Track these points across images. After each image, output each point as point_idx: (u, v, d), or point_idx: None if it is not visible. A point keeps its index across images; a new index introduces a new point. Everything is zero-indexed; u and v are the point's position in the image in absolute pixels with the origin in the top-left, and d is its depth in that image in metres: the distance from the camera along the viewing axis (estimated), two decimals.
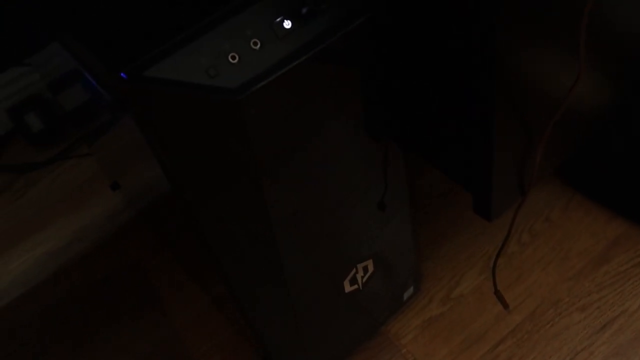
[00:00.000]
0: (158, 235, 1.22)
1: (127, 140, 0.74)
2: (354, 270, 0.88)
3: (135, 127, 0.58)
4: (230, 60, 0.53)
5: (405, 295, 1.06)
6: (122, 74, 0.51)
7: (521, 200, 0.78)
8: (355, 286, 0.90)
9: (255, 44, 0.55)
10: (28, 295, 1.21)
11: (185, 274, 1.17)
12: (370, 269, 0.91)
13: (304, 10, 0.55)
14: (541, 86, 0.69)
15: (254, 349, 1.07)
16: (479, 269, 1.13)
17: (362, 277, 0.90)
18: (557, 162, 0.86)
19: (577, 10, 0.57)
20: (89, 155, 1.39)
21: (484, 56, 0.57)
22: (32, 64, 1.34)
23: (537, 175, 0.75)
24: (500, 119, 0.65)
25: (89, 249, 1.25)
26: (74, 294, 1.20)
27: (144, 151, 0.62)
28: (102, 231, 1.27)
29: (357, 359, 1.05)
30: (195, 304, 1.14)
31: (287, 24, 0.56)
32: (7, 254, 1.28)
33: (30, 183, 1.38)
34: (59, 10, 0.71)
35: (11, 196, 1.36)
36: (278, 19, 0.55)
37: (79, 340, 1.14)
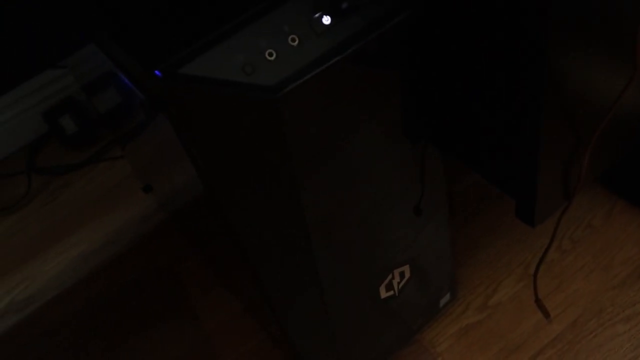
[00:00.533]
0: (190, 238, 1.21)
1: (160, 142, 0.73)
2: (390, 276, 0.85)
3: (168, 129, 0.57)
4: (268, 57, 0.52)
5: (442, 302, 1.03)
6: (156, 72, 0.50)
7: (566, 206, 0.75)
8: (391, 292, 0.88)
9: (293, 40, 0.53)
10: (62, 296, 1.22)
11: (217, 278, 1.16)
12: (407, 274, 0.88)
13: (344, 6, 0.54)
14: (591, 90, 0.67)
15: (285, 355, 1.06)
16: (517, 277, 1.10)
17: (399, 283, 0.88)
18: (603, 167, 0.83)
19: (633, 14, 0.55)
20: (122, 157, 1.39)
21: (533, 57, 0.55)
22: (68, 66, 1.35)
23: (583, 180, 0.73)
24: (547, 122, 0.63)
25: (121, 252, 1.25)
26: (106, 296, 1.20)
27: (176, 154, 0.61)
28: (134, 234, 1.26)
29: None
30: (227, 308, 1.13)
31: (326, 20, 0.54)
32: (42, 256, 1.28)
33: (64, 185, 1.38)
34: (95, 10, 0.71)
35: (46, 198, 1.37)
36: (317, 15, 0.54)
37: (111, 342, 1.13)
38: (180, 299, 1.16)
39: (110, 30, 0.65)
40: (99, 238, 1.28)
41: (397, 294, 0.89)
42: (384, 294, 0.87)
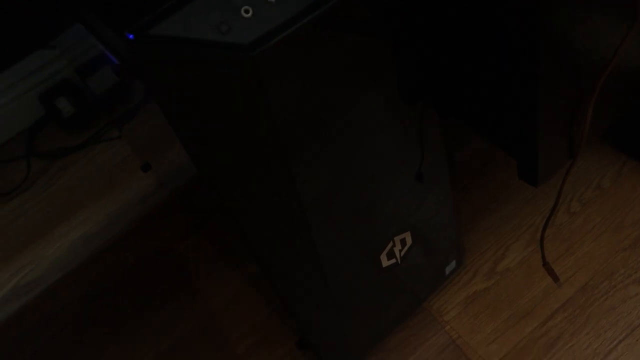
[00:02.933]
0: (190, 216, 1.19)
1: (157, 122, 0.70)
2: (391, 244, 0.83)
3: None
4: (244, 14, 0.49)
5: (448, 270, 1.01)
6: (128, 35, 0.47)
7: (570, 164, 0.72)
8: (394, 260, 0.85)
9: None
10: (65, 279, 1.21)
11: (218, 254, 1.15)
12: (409, 241, 0.86)
13: None
14: (590, 41, 0.64)
15: (290, 329, 1.05)
16: (526, 241, 1.07)
17: (400, 251, 0.85)
18: (607, 123, 0.80)
19: None
20: (119, 138, 1.38)
21: (528, 7, 0.52)
22: (58, 47, 1.33)
23: (587, 137, 0.70)
24: (546, 75, 0.60)
25: (122, 232, 1.24)
26: (109, 277, 1.19)
27: (173, 133, 0.59)
28: (135, 213, 1.25)
29: (399, 337, 1.01)
30: (229, 284, 1.12)
31: None
32: (44, 240, 1.27)
33: (64, 168, 1.37)
34: None
35: (46, 181, 1.36)
36: None
37: (115, 323, 1.13)
38: (183, 277, 1.15)
39: (91, 6, 0.62)
40: (100, 219, 1.26)
41: (399, 262, 0.87)
42: (385, 262, 0.85)
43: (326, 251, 0.77)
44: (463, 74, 0.70)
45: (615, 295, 0.99)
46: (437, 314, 1.02)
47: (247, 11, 0.49)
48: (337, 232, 0.77)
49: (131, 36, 0.47)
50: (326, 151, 0.65)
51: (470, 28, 0.63)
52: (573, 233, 1.06)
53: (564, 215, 1.08)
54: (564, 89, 0.66)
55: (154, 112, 0.67)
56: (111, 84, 1.42)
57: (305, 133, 0.61)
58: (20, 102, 1.43)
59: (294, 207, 0.69)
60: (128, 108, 1.41)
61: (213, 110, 0.55)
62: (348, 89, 0.62)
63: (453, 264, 1.01)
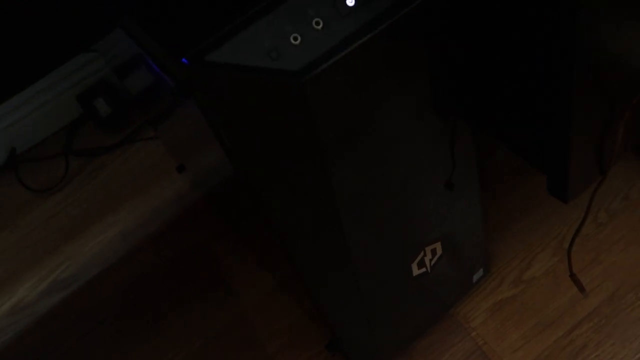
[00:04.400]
0: (224, 216, 1.23)
1: (192, 122, 0.73)
2: (422, 253, 0.86)
3: (199, 110, 0.57)
4: (293, 41, 0.52)
5: (475, 278, 1.03)
6: (184, 60, 0.50)
7: (600, 180, 0.74)
8: (424, 269, 0.88)
9: (317, 23, 0.53)
10: (102, 275, 1.25)
11: (252, 255, 1.18)
12: (439, 251, 0.88)
13: None
14: (624, 60, 0.65)
15: (321, 330, 1.07)
16: (552, 250, 1.09)
17: (431, 260, 0.88)
18: (638, 139, 0.81)
19: None
20: (155, 138, 1.41)
21: (564, 26, 0.54)
22: (98, 50, 1.37)
23: (617, 153, 0.71)
24: (579, 92, 0.61)
25: (158, 231, 1.27)
26: (145, 274, 1.23)
27: (208, 133, 0.61)
28: (170, 213, 1.29)
29: (426, 342, 1.04)
30: (262, 285, 1.15)
31: (350, 1, 0.53)
32: (82, 236, 1.32)
33: (101, 166, 1.41)
34: None
35: (84, 179, 1.41)
36: None
37: (151, 320, 1.17)
38: (217, 277, 1.18)
39: (137, 16, 0.65)
40: (135, 218, 1.30)
41: (429, 271, 0.89)
42: (416, 271, 0.87)
43: (359, 258, 0.79)
44: (495, 89, 0.72)
45: None
46: (464, 321, 1.04)
47: (295, 38, 0.52)
48: (370, 239, 0.79)
49: (187, 62, 0.50)
50: (361, 157, 0.68)
51: (504, 41, 0.64)
52: (600, 243, 1.07)
53: (591, 226, 1.09)
54: (597, 105, 0.67)
55: (188, 113, 0.70)
56: (147, 84, 1.45)
57: (343, 141, 0.64)
58: (60, 101, 1.47)
59: (330, 212, 0.72)
60: (162, 108, 1.44)
61: (260, 124, 0.58)
62: (384, 101, 0.65)
63: (480, 271, 1.03)
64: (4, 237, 1.35)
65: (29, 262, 1.29)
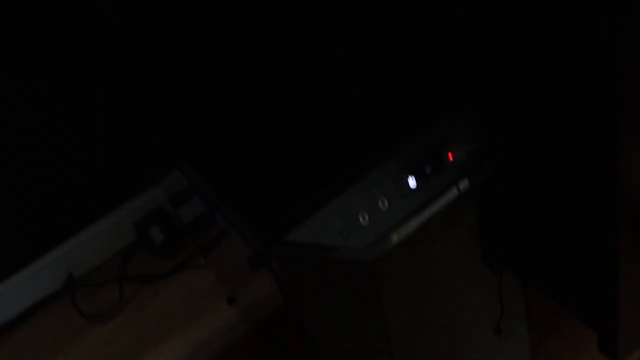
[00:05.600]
0: (273, 348, 1.24)
1: (241, 251, 0.78)
2: None
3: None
4: (361, 220, 0.57)
5: None
6: (265, 241, 0.56)
7: None
8: None
9: (382, 202, 0.58)
10: None
11: None
12: None
13: (428, 171, 0.59)
14: None
15: None
16: None
17: None
18: None
19: None
20: (204, 267, 1.46)
21: (606, 182, 0.57)
22: (159, 184, 1.46)
23: None
24: (626, 255, 0.64)
25: None
26: None
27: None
28: (220, 344, 1.31)
29: None
30: None
31: (412, 184, 0.59)
32: None
33: (152, 294, 1.46)
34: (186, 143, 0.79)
35: (136, 306, 1.45)
36: (403, 178, 0.59)
37: None
38: None
39: (207, 179, 0.72)
40: (185, 348, 1.33)
41: None
42: None
43: None
44: (544, 249, 0.75)
45: None
46: None
47: (363, 217, 0.57)
48: None
49: (267, 242, 0.56)
50: (417, 306, 0.71)
51: (551, 204, 0.68)
52: None
53: None
54: None
55: (237, 241, 0.75)
56: (199, 213, 1.52)
57: (403, 303, 0.68)
58: (117, 228, 1.54)
59: (382, 352, 0.74)
60: (212, 236, 1.50)
61: (327, 288, 0.63)
62: (440, 260, 0.69)
63: None
64: None
65: None
